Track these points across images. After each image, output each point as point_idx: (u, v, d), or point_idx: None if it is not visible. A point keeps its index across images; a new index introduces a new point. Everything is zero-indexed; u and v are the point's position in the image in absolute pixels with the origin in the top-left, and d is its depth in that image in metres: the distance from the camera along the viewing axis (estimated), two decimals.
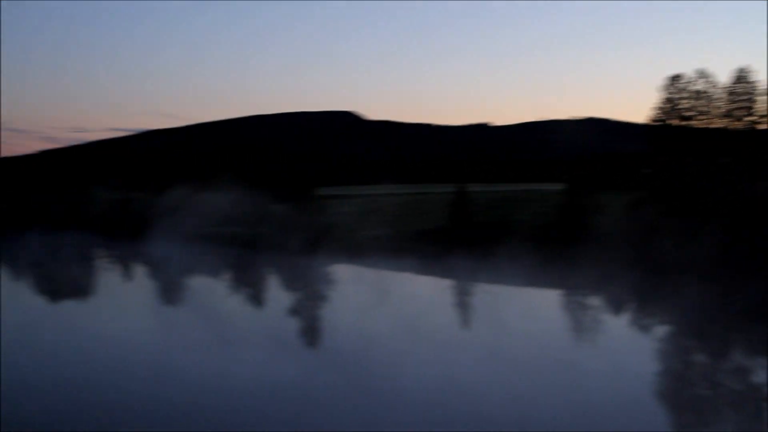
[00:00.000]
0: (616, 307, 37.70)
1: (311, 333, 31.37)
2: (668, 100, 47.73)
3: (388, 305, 38.11)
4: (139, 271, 54.11)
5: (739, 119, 45.76)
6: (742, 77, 45.79)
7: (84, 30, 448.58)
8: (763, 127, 45.38)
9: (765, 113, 45.12)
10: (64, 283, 46.41)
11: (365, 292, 43.23)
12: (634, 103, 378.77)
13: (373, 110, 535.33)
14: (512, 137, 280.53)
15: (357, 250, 53.42)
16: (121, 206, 72.84)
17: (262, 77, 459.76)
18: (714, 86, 46.58)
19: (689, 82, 47.22)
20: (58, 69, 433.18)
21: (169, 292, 44.05)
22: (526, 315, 34.89)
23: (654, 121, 48.59)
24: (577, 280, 41.33)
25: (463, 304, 39.60)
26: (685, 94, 47.33)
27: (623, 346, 28.99)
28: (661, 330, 33.25)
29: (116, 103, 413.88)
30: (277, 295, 42.62)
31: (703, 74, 46.89)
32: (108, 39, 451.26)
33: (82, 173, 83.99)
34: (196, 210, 64.47)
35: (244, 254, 58.11)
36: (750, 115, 45.46)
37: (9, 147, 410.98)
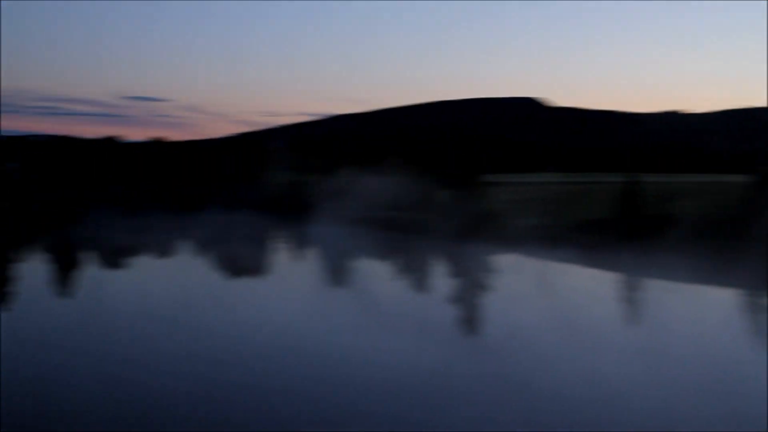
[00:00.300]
0: None
1: (466, 322, 30.76)
2: None
3: (545, 296, 36.92)
4: (304, 252, 55.83)
5: None
6: None
7: (283, 22, 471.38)
8: None
9: None
10: (233, 262, 48.39)
11: (524, 282, 42.15)
12: None
13: (564, 97, 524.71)
14: (705, 126, 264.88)
15: (518, 239, 52.26)
16: (293, 188, 75.62)
17: (456, 63, 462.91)
18: None
19: None
20: (257, 57, 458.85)
21: (330, 274, 45.07)
22: (693, 314, 32.49)
23: None
24: (755, 279, 38.03)
25: (624, 299, 37.53)
26: None
27: None
28: None
29: (310, 89, 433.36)
30: (435, 281, 42.34)
31: None
32: (306, 29, 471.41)
33: (266, 156, 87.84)
34: (363, 194, 65.72)
35: (405, 239, 58.47)
36: None
37: (209, 130, 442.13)
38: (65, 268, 43.88)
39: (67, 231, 61.23)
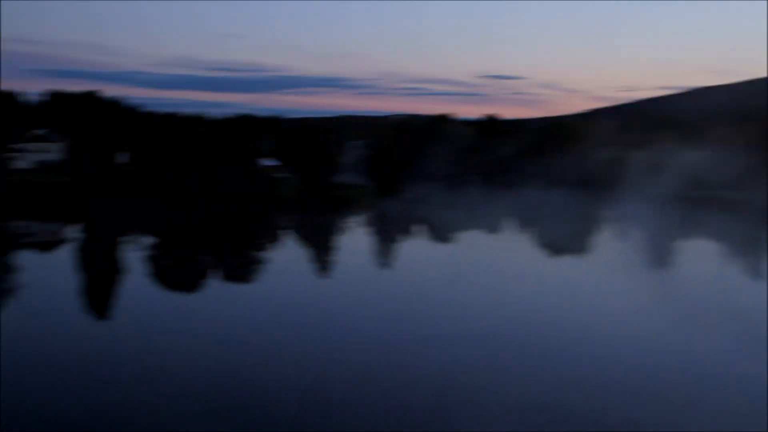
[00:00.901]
0: None
1: None
2: None
3: None
4: (622, 231, 54.56)
5: None
6: None
7: None
8: None
9: None
10: (549, 239, 48.81)
11: None
12: None
13: None
14: None
15: None
16: (614, 165, 73.27)
17: None
18: None
19: None
20: (608, 32, 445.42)
21: (647, 255, 43.88)
22: None
23: None
24: None
25: None
26: None
27: None
28: None
29: (670, 62, 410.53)
30: (762, 267, 39.09)
31: None
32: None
33: (595, 132, 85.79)
34: (688, 170, 62.35)
35: (732, 220, 54.65)
36: None
37: (562, 107, 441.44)
38: (387, 239, 47.46)
39: (392, 205, 65.11)
